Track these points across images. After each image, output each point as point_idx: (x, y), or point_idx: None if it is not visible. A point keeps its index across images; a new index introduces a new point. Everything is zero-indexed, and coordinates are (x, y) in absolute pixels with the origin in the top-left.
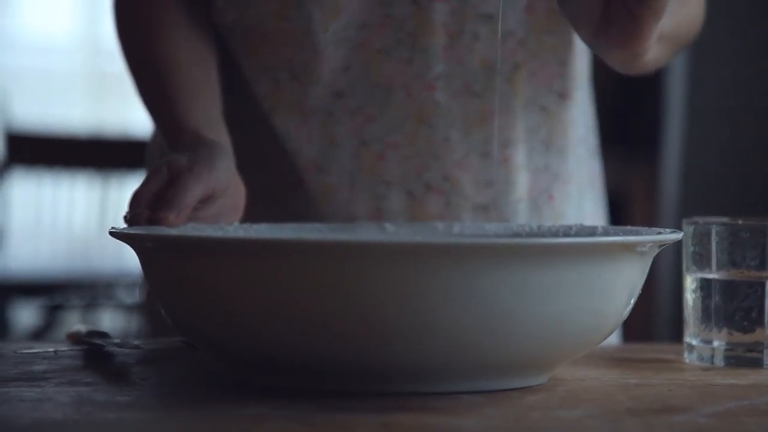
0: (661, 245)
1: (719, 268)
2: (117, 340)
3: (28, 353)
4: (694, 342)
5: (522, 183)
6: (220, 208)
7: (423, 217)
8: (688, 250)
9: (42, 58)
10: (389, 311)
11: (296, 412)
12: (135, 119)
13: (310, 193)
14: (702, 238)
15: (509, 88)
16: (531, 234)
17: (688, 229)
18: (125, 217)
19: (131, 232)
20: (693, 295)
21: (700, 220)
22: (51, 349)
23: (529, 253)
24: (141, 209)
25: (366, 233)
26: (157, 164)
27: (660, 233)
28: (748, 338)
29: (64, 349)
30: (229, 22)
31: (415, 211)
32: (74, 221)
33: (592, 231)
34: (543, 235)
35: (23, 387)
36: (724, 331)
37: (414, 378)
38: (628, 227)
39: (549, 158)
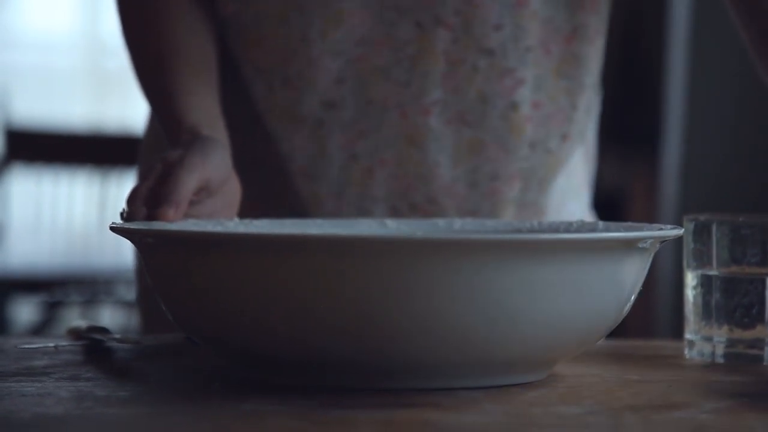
0: (662, 241)
1: (720, 264)
2: (117, 336)
3: (28, 348)
4: (694, 338)
5: (508, 216)
6: (216, 205)
7: None
8: (688, 246)
9: (42, 55)
10: (389, 307)
11: (297, 408)
12: (135, 116)
13: (301, 197)
14: (703, 235)
15: (503, 125)
16: (531, 230)
17: (689, 225)
18: (122, 214)
19: (132, 227)
20: (693, 292)
21: (701, 216)
22: (51, 345)
23: (531, 249)
24: (138, 206)
25: (367, 229)
26: (153, 161)
27: (661, 229)
28: (748, 335)
29: (64, 344)
30: (228, 16)
31: None
32: (74, 218)
33: (593, 227)
34: (544, 232)
35: (24, 382)
36: (725, 327)
37: (414, 374)
38: (629, 223)
39: (539, 195)
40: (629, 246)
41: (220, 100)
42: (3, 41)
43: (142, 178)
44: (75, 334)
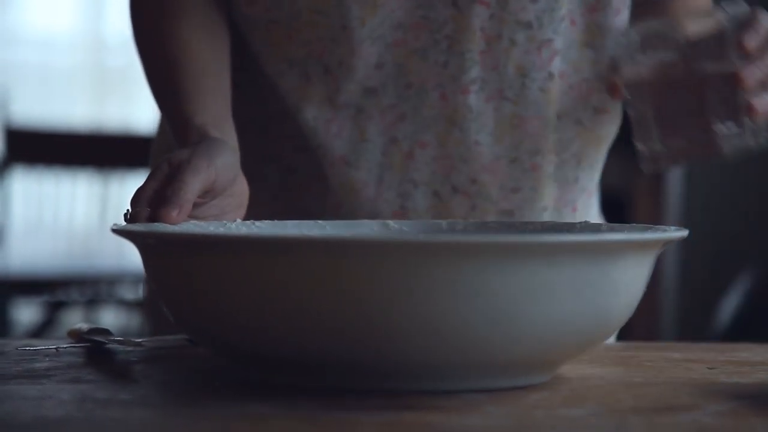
0: (666, 243)
1: None
2: (119, 338)
3: (29, 350)
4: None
5: (549, 193)
6: (223, 206)
7: (448, 217)
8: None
9: (43, 54)
10: (392, 309)
11: (299, 410)
12: (136, 116)
13: (334, 190)
14: None
15: (542, 97)
16: (535, 231)
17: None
18: (126, 215)
19: (133, 229)
20: None
21: None
22: (53, 347)
23: (534, 250)
24: (142, 207)
25: (369, 231)
26: (159, 162)
27: (665, 231)
28: None
29: (65, 346)
30: (256, 14)
31: (440, 212)
32: (75, 218)
33: (596, 229)
34: (547, 233)
35: (25, 384)
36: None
37: (417, 376)
38: (633, 225)
39: (580, 172)
40: (633, 248)
41: (234, 101)
42: (3, 39)
43: (147, 179)
44: (76, 335)
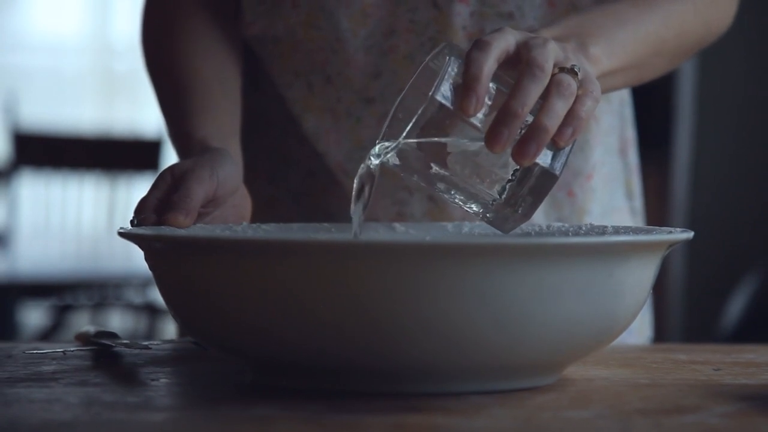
0: (672, 245)
1: None
2: (125, 341)
3: (37, 354)
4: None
5: None
6: (225, 217)
7: (445, 221)
8: None
9: (50, 58)
10: (398, 312)
11: (306, 413)
12: (143, 119)
13: (345, 192)
14: None
15: None
16: (541, 234)
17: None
18: (132, 223)
19: (140, 232)
20: None
21: None
22: (60, 350)
23: (540, 253)
24: (147, 214)
25: (374, 233)
26: (162, 171)
27: (670, 233)
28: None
29: (72, 349)
30: (257, 34)
31: (437, 216)
32: (83, 222)
33: (602, 231)
34: (553, 235)
35: (32, 387)
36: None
37: (423, 378)
38: (639, 226)
39: (570, 155)
40: (639, 250)
41: (254, 104)
42: (11, 44)
43: (151, 188)
44: (83, 339)
